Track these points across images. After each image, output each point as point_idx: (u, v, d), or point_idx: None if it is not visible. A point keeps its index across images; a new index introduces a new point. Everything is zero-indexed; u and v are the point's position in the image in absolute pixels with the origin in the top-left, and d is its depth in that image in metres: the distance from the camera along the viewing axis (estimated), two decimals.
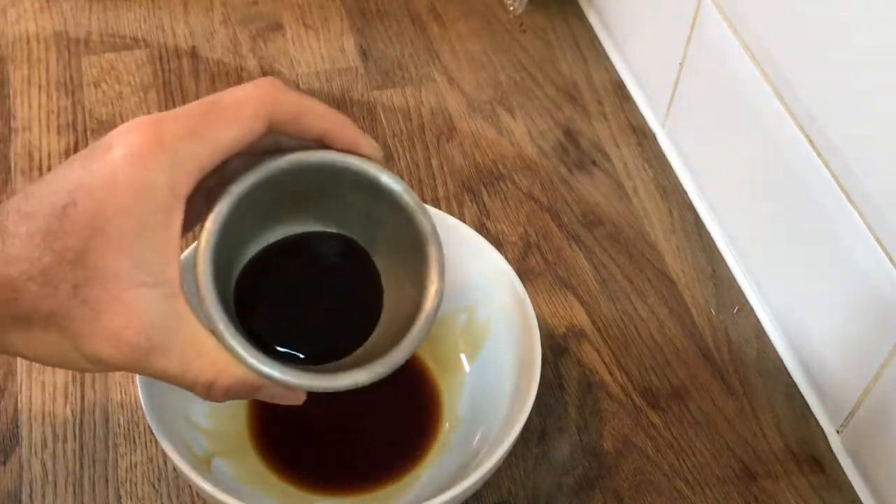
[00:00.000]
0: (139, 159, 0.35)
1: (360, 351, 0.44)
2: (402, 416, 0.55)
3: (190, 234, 0.41)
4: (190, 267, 0.38)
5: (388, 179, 0.42)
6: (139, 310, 0.35)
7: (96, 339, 0.35)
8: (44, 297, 0.35)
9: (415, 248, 0.43)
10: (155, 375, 0.37)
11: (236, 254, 0.43)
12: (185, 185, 0.36)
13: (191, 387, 0.38)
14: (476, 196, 0.67)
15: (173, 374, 0.37)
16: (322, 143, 0.40)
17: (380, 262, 0.45)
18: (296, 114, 0.39)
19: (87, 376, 0.56)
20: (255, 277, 0.43)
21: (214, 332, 0.37)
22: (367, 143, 0.41)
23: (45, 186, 0.36)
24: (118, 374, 0.56)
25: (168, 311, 0.36)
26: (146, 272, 0.35)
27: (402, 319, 0.43)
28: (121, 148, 0.35)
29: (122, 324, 0.35)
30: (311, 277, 0.45)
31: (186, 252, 0.47)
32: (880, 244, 0.49)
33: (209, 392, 0.38)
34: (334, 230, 0.45)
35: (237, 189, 0.39)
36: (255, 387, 0.39)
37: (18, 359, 0.56)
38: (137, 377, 0.47)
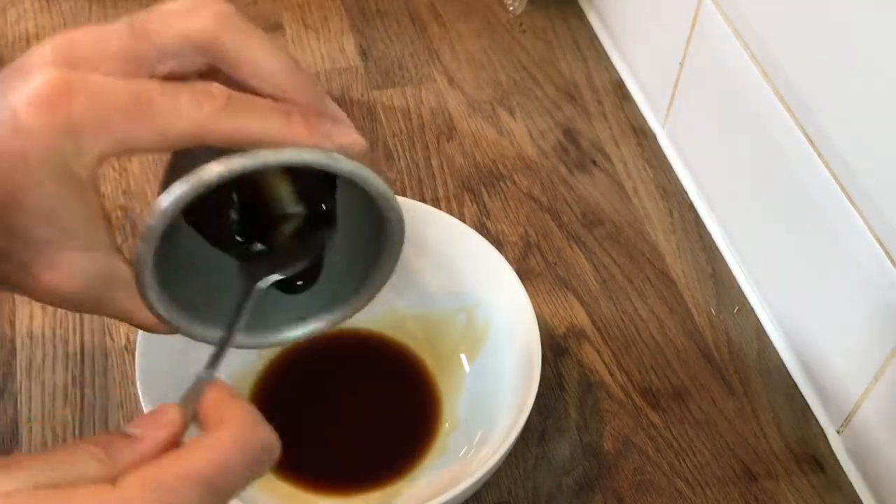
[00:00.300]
0: (45, 138, 0.32)
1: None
2: (402, 416, 0.55)
3: None
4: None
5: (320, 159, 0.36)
6: (73, 272, 0.35)
7: (38, 293, 0.36)
8: None
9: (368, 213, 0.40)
10: (102, 315, 0.39)
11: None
12: (93, 163, 0.34)
13: (135, 326, 0.40)
14: (476, 196, 0.67)
15: (118, 318, 0.39)
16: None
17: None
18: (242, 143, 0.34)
19: (87, 376, 0.56)
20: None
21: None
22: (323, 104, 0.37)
23: None
24: (118, 375, 0.56)
25: (102, 270, 0.36)
26: (75, 238, 0.35)
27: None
28: (29, 119, 0.32)
29: (58, 284, 0.35)
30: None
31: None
32: (880, 244, 0.49)
33: (149, 328, 0.40)
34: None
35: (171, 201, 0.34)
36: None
37: (18, 359, 0.56)
38: (137, 379, 0.47)
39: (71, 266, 0.35)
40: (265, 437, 0.32)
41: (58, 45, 0.34)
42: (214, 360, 0.36)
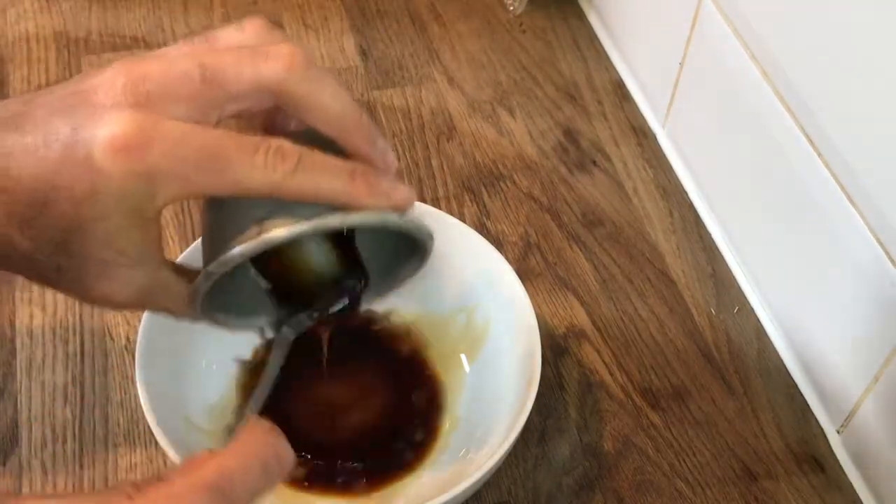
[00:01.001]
0: (121, 181, 0.33)
1: None
2: (404, 415, 0.55)
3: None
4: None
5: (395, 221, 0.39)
6: (122, 285, 0.38)
7: (88, 301, 0.39)
8: (28, 272, 0.37)
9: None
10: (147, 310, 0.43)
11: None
12: (163, 206, 0.35)
13: (178, 317, 0.42)
14: (476, 196, 0.67)
15: (161, 312, 0.42)
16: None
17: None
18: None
19: (87, 376, 0.56)
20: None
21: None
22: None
23: (25, 157, 0.34)
24: (118, 375, 0.56)
25: (152, 284, 0.38)
26: (130, 259, 0.37)
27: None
28: (105, 162, 0.33)
29: (108, 294, 0.38)
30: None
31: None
32: (880, 244, 0.49)
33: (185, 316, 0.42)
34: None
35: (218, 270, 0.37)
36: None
37: (18, 359, 0.56)
38: (137, 379, 0.47)
39: (121, 280, 0.37)
40: (275, 444, 0.33)
41: (129, 80, 0.34)
42: (253, 404, 0.40)
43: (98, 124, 0.33)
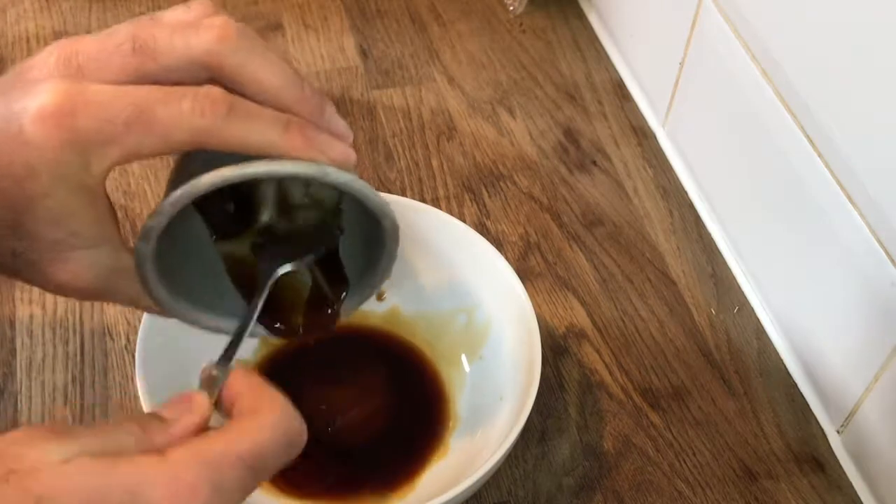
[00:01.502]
0: (53, 152, 0.33)
1: None
2: (404, 416, 0.55)
3: None
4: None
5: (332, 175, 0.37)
6: (81, 269, 0.36)
7: (49, 287, 0.37)
8: None
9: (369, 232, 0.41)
10: (113, 302, 0.40)
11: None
12: (102, 174, 0.34)
13: (146, 311, 0.41)
14: (476, 196, 0.67)
15: (128, 304, 0.40)
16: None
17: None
18: (241, 79, 0.35)
19: (87, 376, 0.56)
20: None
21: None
22: (331, 119, 0.38)
23: None
24: (118, 376, 0.56)
25: (111, 266, 0.37)
26: (83, 238, 0.36)
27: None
28: (35, 133, 0.33)
29: (66, 279, 0.37)
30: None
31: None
32: (880, 244, 0.49)
33: (149, 309, 0.41)
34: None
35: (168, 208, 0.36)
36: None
37: (18, 359, 0.56)
38: (137, 379, 0.47)
39: (79, 263, 0.36)
40: (298, 423, 0.33)
41: (61, 55, 0.34)
42: (232, 350, 0.37)
43: (28, 97, 0.33)
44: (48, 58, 0.34)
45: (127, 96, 0.33)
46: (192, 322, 0.41)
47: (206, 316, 0.41)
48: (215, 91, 0.34)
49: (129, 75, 0.34)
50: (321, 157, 0.36)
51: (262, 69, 0.35)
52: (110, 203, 0.37)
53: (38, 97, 0.33)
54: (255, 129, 0.35)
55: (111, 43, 0.34)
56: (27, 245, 0.35)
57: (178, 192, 0.35)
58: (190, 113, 0.33)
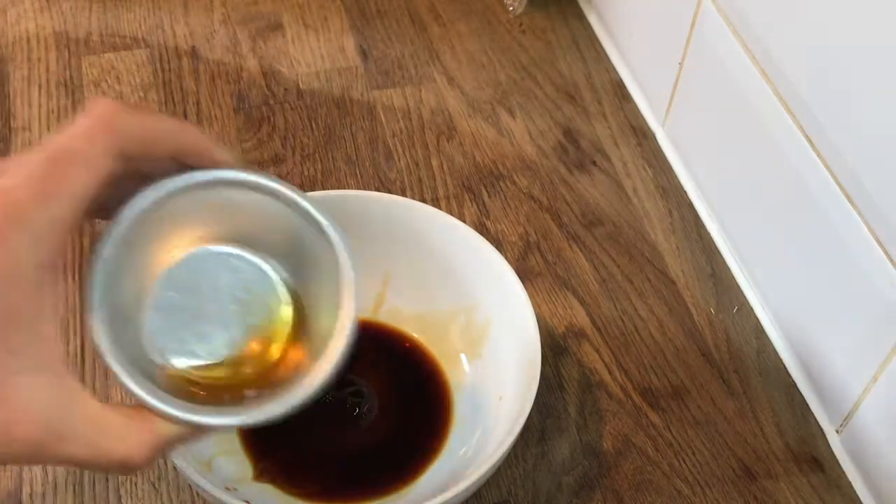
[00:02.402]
0: None
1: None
2: (404, 416, 0.55)
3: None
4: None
5: (269, 184, 0.39)
6: (25, 401, 0.31)
7: None
8: None
9: (325, 258, 0.40)
10: (61, 464, 0.34)
11: (144, 277, 0.40)
12: (52, 252, 0.32)
13: (105, 468, 0.34)
14: (476, 196, 0.67)
15: (82, 459, 0.33)
16: (178, 163, 0.37)
17: (299, 282, 0.42)
18: (144, 138, 0.35)
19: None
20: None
21: (125, 389, 0.36)
22: (222, 150, 0.38)
23: None
24: None
25: (58, 395, 0.32)
26: (23, 356, 0.32)
27: (319, 340, 0.41)
28: None
29: (10, 419, 0.31)
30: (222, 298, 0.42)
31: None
32: (880, 244, 0.49)
33: (126, 468, 0.34)
34: (251, 251, 0.42)
35: (114, 234, 0.36)
36: (176, 440, 0.36)
37: None
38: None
39: (22, 393, 0.31)
40: None
41: None
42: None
43: None
44: None
45: (41, 153, 0.33)
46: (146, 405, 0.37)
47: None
48: (99, 99, 0.35)
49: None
50: (218, 150, 0.37)
51: (157, 122, 0.36)
52: (56, 309, 0.33)
53: None
54: (156, 116, 0.36)
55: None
56: None
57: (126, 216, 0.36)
58: (89, 120, 0.34)
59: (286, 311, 0.42)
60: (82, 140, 0.33)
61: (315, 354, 0.40)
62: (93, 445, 0.33)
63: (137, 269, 0.39)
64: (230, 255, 0.41)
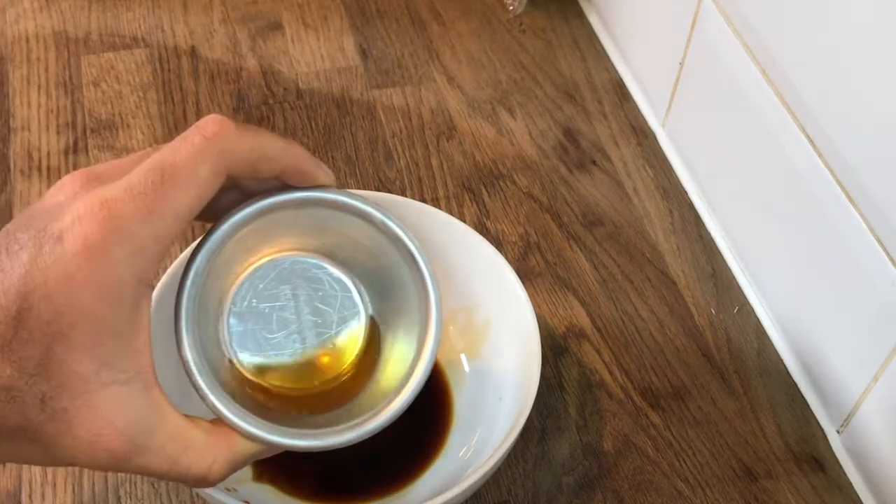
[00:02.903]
0: (97, 254, 0.31)
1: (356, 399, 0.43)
2: (404, 417, 0.55)
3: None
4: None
5: (363, 207, 0.39)
6: (112, 414, 0.32)
7: (71, 449, 0.33)
8: (9, 414, 0.32)
9: (410, 285, 0.41)
10: (140, 473, 0.34)
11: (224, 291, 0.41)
12: (151, 269, 0.33)
13: (183, 480, 0.35)
14: (476, 196, 0.67)
15: (160, 472, 0.34)
16: (280, 182, 0.38)
17: (378, 304, 0.43)
18: (253, 160, 0.35)
19: None
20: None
21: (208, 407, 0.36)
22: (324, 172, 0.39)
23: None
24: None
25: (144, 408, 0.33)
26: (116, 369, 0.33)
27: (398, 364, 0.41)
28: (74, 240, 0.31)
29: (96, 431, 0.32)
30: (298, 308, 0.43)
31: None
32: (880, 244, 0.49)
33: (203, 483, 0.35)
34: (334, 265, 0.42)
35: (207, 249, 0.37)
36: (252, 458, 0.37)
37: None
38: None
39: (110, 404, 0.32)
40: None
41: (79, 175, 0.34)
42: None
43: (59, 216, 0.32)
44: (65, 181, 0.34)
45: (147, 164, 0.33)
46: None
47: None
48: (212, 117, 0.34)
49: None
50: (320, 171, 0.38)
51: (272, 152, 0.36)
52: (149, 322, 0.34)
53: (70, 209, 0.32)
54: (264, 137, 0.35)
55: (125, 161, 0.35)
56: (55, 386, 0.32)
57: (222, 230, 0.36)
58: (202, 140, 0.34)
59: (361, 329, 0.42)
60: (191, 159, 0.33)
61: (384, 378, 0.41)
62: (173, 460, 0.34)
63: (221, 274, 0.40)
64: (313, 265, 0.42)
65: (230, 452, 0.36)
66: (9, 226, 0.33)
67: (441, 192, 0.67)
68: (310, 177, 0.38)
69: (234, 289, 0.41)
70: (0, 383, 0.31)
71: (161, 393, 0.34)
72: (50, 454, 0.33)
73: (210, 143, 0.34)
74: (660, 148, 0.71)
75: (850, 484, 0.55)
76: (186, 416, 0.35)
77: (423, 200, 0.66)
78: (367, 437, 0.39)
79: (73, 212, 0.32)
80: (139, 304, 0.33)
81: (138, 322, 0.33)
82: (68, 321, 0.31)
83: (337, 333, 0.42)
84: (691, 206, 0.67)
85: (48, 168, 0.66)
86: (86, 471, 0.52)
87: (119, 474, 0.52)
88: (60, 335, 0.31)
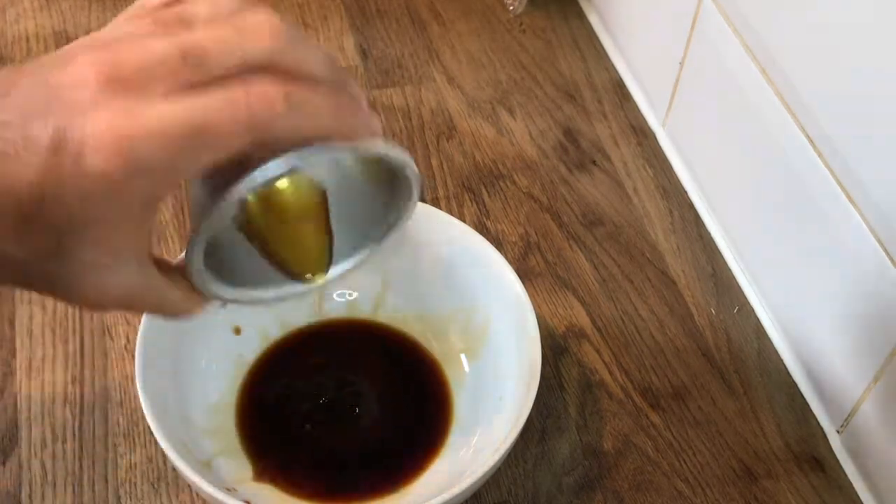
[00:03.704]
0: (116, 186, 0.32)
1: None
2: (404, 417, 0.55)
3: None
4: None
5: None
6: (112, 286, 0.36)
7: (73, 301, 0.37)
8: (15, 277, 0.35)
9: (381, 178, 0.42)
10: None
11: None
12: (161, 198, 0.34)
13: (168, 317, 0.41)
14: (476, 196, 0.67)
15: (151, 312, 0.42)
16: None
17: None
18: (290, 140, 0.35)
19: (87, 376, 0.56)
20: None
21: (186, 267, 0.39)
22: (373, 129, 0.38)
23: (7, 164, 0.32)
24: (118, 375, 0.56)
25: (138, 283, 0.37)
26: (120, 259, 0.36)
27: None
28: (93, 165, 0.32)
29: (98, 295, 0.36)
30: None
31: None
32: (880, 244, 0.49)
33: (186, 317, 0.41)
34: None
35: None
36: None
37: (18, 358, 0.56)
38: (137, 379, 0.47)
39: (109, 281, 0.36)
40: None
41: (102, 72, 0.33)
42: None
43: (79, 125, 0.32)
44: (85, 73, 0.33)
45: (185, 118, 0.32)
46: (224, 299, 0.41)
47: (240, 291, 0.41)
48: (269, 88, 0.33)
49: (180, 88, 0.33)
50: (367, 131, 0.37)
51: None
52: (154, 220, 0.37)
53: (92, 125, 0.32)
54: (310, 118, 0.35)
55: (154, 57, 0.33)
56: (64, 268, 0.35)
57: (232, 189, 0.35)
58: (248, 116, 0.33)
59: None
60: (231, 125, 0.33)
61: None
62: (157, 307, 0.39)
63: None
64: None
65: (200, 301, 0.40)
66: (21, 97, 0.33)
67: (441, 192, 0.67)
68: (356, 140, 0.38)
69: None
70: (11, 260, 0.34)
71: (151, 266, 0.37)
72: (65, 301, 0.38)
73: (253, 121, 0.33)
74: (660, 148, 0.71)
75: (850, 483, 0.55)
76: (168, 278, 0.39)
77: (423, 200, 0.66)
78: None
79: (94, 127, 0.32)
80: (150, 211, 0.35)
81: (146, 220, 0.35)
82: (79, 223, 0.33)
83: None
84: (691, 206, 0.67)
85: None
86: (85, 471, 0.52)
87: (119, 476, 0.52)
88: (71, 233, 0.33)
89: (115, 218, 0.34)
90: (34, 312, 0.58)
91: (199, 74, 0.33)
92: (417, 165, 0.68)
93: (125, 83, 0.32)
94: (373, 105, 0.38)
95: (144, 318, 0.50)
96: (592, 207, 0.67)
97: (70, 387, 0.55)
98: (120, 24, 0.35)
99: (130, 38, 0.34)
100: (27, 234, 0.33)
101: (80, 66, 0.33)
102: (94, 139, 0.32)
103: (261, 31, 0.34)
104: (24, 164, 0.32)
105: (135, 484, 0.52)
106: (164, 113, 0.32)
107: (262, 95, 0.33)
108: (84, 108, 0.32)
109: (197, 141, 0.33)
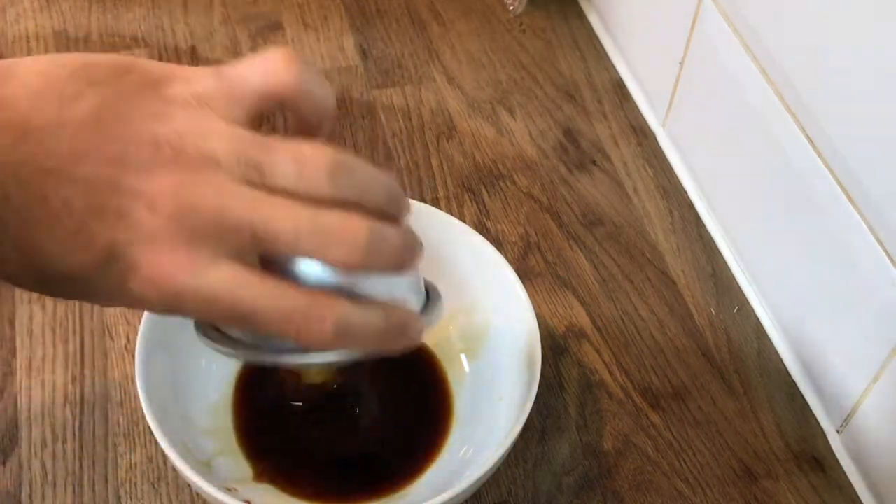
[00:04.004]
0: (145, 305, 0.34)
1: None
2: (404, 416, 0.55)
3: None
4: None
5: None
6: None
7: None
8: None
9: None
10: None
11: None
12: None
13: None
14: (476, 196, 0.67)
15: None
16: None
17: None
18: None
19: (87, 376, 0.56)
20: None
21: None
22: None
23: (48, 240, 0.32)
24: (117, 375, 0.56)
25: None
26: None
27: None
28: (136, 286, 0.32)
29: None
30: None
31: None
32: (880, 244, 0.49)
33: None
34: None
35: None
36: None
37: (18, 358, 0.56)
38: (137, 379, 0.47)
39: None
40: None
41: (179, 205, 0.32)
42: None
43: (136, 254, 0.31)
44: (163, 199, 0.31)
45: (237, 292, 0.32)
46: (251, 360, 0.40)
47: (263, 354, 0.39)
48: (325, 313, 0.33)
49: (241, 260, 0.32)
50: (411, 344, 0.38)
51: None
52: None
53: (148, 262, 0.31)
54: (354, 343, 0.35)
55: (230, 222, 0.31)
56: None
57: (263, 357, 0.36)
58: (295, 332, 0.33)
59: None
60: (276, 326, 0.32)
61: None
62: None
63: None
64: None
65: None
66: (79, 175, 0.31)
67: (441, 192, 0.67)
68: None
69: None
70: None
71: None
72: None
73: (298, 336, 0.33)
74: (660, 148, 0.71)
75: (850, 483, 0.55)
76: None
77: (423, 200, 0.66)
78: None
79: (149, 268, 0.32)
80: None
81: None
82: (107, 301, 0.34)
83: None
84: (691, 206, 0.67)
85: None
86: (85, 471, 0.52)
87: (119, 475, 0.52)
88: (94, 298, 0.34)
89: (139, 307, 0.34)
90: (34, 312, 0.58)
91: (264, 254, 0.33)
92: (417, 166, 0.68)
93: (194, 232, 0.31)
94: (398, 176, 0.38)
95: (144, 317, 0.50)
96: (592, 207, 0.67)
97: (70, 387, 0.56)
98: (211, 133, 0.32)
99: (216, 180, 0.32)
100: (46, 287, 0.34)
101: (158, 185, 0.31)
102: (144, 278, 0.31)
103: (343, 240, 0.32)
104: (69, 249, 0.32)
105: (135, 484, 0.52)
106: (218, 282, 0.31)
107: (318, 321, 0.33)
108: (147, 235, 0.31)
109: (237, 318, 0.32)
